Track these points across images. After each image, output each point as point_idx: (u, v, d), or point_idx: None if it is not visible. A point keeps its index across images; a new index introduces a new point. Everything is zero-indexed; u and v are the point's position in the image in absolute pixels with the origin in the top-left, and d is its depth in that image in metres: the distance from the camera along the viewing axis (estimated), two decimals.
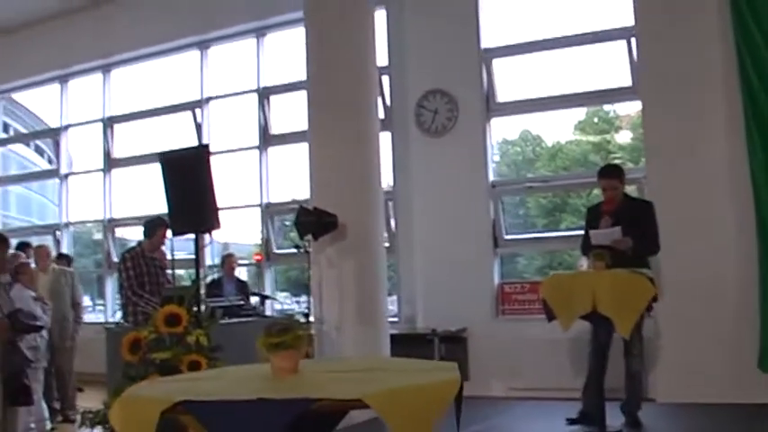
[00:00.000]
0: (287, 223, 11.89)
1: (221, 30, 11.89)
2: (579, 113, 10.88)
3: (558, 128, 11.05)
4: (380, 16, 9.82)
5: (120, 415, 2.59)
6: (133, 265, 7.54)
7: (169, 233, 7.41)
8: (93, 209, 13.50)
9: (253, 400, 2.38)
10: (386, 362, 4.58)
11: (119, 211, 13.21)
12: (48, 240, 13.34)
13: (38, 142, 15.89)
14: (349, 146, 8.10)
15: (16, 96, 15.29)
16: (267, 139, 11.62)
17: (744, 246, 7.82)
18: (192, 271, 6.60)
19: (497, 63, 9.82)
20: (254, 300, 9.50)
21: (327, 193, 8.04)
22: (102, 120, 13.24)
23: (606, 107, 10.83)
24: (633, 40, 8.76)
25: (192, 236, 6.40)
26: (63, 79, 13.73)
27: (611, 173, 7.10)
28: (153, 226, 7.71)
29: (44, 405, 8.75)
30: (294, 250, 9.11)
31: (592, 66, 9.43)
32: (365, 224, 8.09)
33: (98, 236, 14.24)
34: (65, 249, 13.01)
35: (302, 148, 8.67)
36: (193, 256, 6.43)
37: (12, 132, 15.73)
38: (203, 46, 12.19)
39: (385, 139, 9.46)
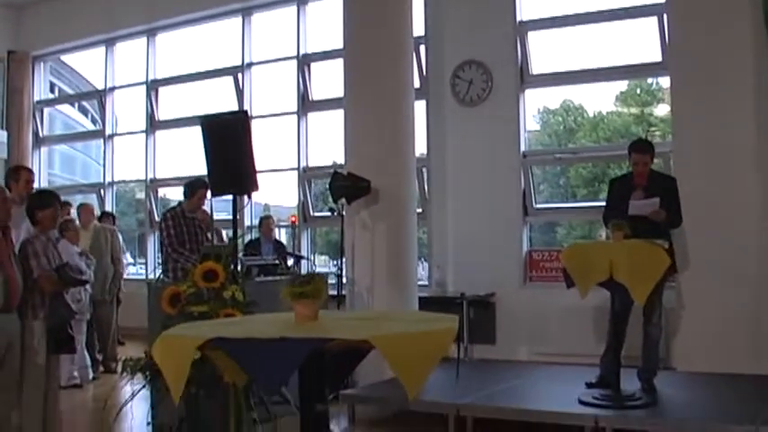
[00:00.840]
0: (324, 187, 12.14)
1: None
2: (621, 85, 10.91)
3: (600, 98, 11.16)
4: None
5: (160, 350, 2.93)
6: (174, 224, 7.75)
7: (209, 194, 7.66)
8: (136, 169, 13.84)
9: (275, 339, 2.70)
10: (394, 313, 4.83)
11: (161, 172, 13.54)
12: (92, 199, 13.71)
13: (83, 103, 16.24)
14: (384, 113, 8.27)
15: (64, 58, 15.61)
16: (306, 104, 11.86)
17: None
18: (230, 231, 6.89)
19: (532, 36, 9.96)
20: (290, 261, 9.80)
21: (361, 158, 8.25)
22: (145, 83, 13.52)
23: (650, 80, 10.87)
24: (665, 17, 8.86)
25: (231, 197, 6.70)
26: (109, 42, 14.04)
27: (645, 148, 7.10)
28: (193, 187, 7.90)
29: (86, 355, 9.16)
30: (327, 213, 9.39)
31: (623, 40, 9.53)
32: (398, 190, 8.27)
33: (140, 195, 14.59)
34: (108, 208, 13.40)
35: (339, 115, 8.85)
36: (231, 217, 6.72)
37: (57, 93, 16.05)
38: (246, 12, 12.40)
39: (420, 107, 9.66)
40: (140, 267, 14.09)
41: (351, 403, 7.14)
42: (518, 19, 9.92)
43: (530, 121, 10.40)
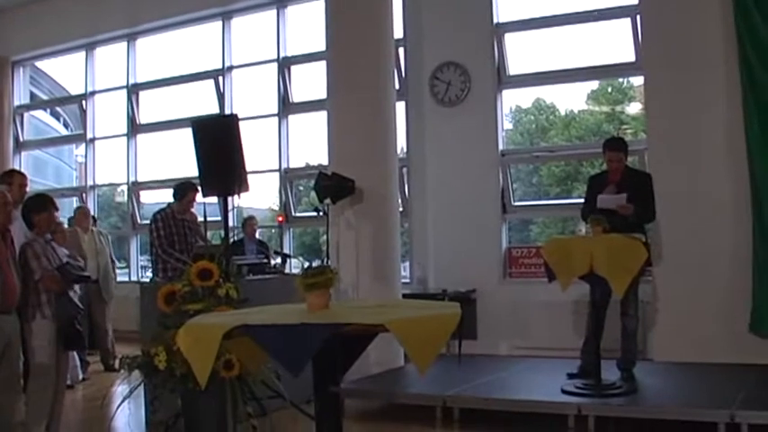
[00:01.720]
0: (301, 188, 12.31)
1: (244, 1, 12.24)
2: (593, 83, 11.14)
3: (572, 97, 11.38)
4: None
5: (185, 339, 3.12)
6: (163, 226, 7.90)
7: (198, 196, 7.82)
8: (117, 172, 13.89)
9: (297, 324, 2.92)
10: (396, 302, 5.00)
11: (143, 175, 13.59)
12: (69, 203, 13.77)
13: (56, 108, 16.14)
14: (366, 114, 8.41)
15: (41, 65, 15.55)
16: (287, 107, 11.99)
17: (739, 215, 8.18)
18: (218, 232, 7.02)
19: (509, 37, 10.15)
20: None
21: (345, 159, 8.39)
22: (126, 87, 13.56)
23: (620, 78, 11.11)
24: (638, 18, 9.07)
25: (219, 200, 6.85)
26: (90, 47, 14.05)
27: (618, 146, 7.37)
28: (183, 189, 8.06)
29: (76, 355, 9.23)
30: (311, 213, 9.52)
31: (598, 41, 9.78)
32: (381, 189, 8.43)
33: (119, 198, 14.63)
34: (91, 211, 13.42)
35: (320, 117, 8.96)
36: (219, 219, 6.86)
37: (29, 99, 15.87)
38: (226, 16, 12.51)
39: (400, 108, 9.83)
40: (120, 270, 14.08)
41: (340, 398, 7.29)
42: (495, 21, 10.12)
43: (503, 121, 10.59)
